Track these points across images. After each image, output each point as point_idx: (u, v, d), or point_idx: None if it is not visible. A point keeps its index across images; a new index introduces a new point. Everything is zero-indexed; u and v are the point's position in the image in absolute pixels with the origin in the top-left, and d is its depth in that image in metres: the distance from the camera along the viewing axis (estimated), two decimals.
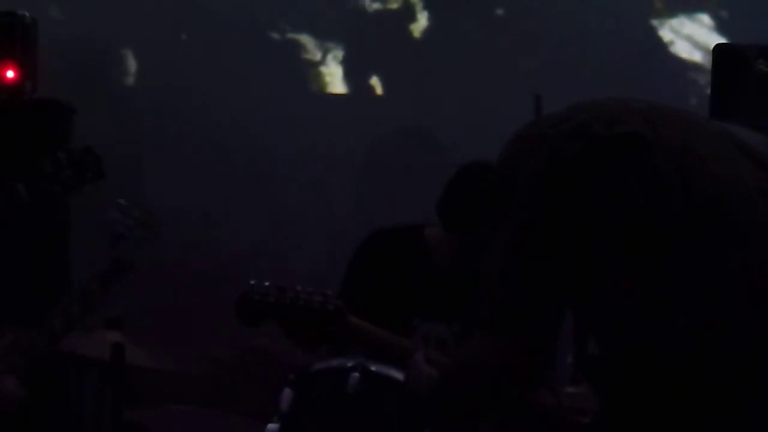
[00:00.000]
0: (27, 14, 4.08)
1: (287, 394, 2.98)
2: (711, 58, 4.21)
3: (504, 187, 1.83)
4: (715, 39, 5.03)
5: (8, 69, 4.05)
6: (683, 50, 5.21)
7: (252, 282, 2.63)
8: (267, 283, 2.62)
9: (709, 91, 4.29)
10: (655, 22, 5.23)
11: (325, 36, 5.43)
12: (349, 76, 5.44)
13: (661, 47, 5.22)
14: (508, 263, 1.85)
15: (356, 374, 2.92)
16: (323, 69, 5.46)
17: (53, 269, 4.13)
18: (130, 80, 5.41)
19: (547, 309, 1.84)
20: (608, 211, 1.78)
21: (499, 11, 5.34)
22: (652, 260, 1.76)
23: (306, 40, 5.44)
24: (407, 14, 5.38)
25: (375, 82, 5.41)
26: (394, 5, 5.40)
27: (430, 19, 5.36)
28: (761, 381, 1.77)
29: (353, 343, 2.76)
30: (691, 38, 5.20)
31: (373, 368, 2.91)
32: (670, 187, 1.77)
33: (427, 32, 5.37)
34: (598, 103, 1.90)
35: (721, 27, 5.14)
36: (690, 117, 1.90)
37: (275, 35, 5.44)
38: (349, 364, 2.93)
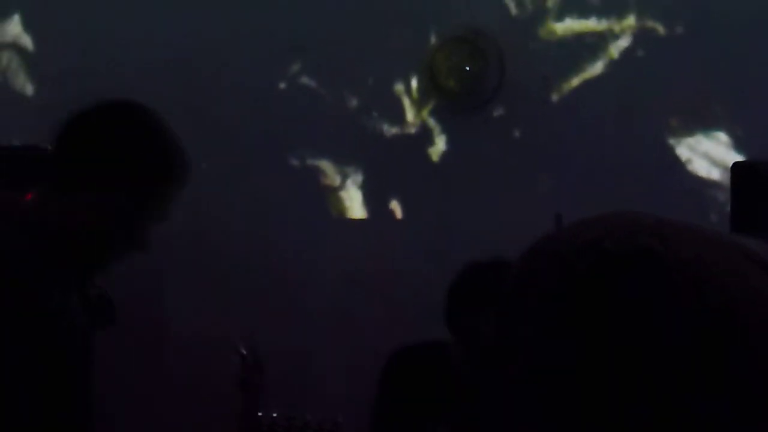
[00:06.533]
0: (50, 147, 4.10)
1: None
2: (729, 175, 4.23)
3: (513, 307, 1.81)
4: (732, 156, 5.05)
5: None
6: (701, 168, 5.22)
7: (259, 413, 2.61)
8: (275, 414, 2.60)
9: (728, 208, 4.29)
10: (671, 141, 5.26)
11: (344, 161, 5.47)
12: (368, 200, 5.46)
13: (679, 165, 5.23)
14: (529, 393, 1.82)
15: None
16: (342, 194, 5.48)
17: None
18: None
19: None
20: (622, 328, 1.76)
21: (517, 132, 5.38)
22: (668, 379, 1.74)
23: (325, 165, 5.47)
24: (425, 138, 5.43)
25: (395, 205, 5.44)
26: (412, 129, 5.44)
27: (448, 142, 5.40)
28: None
29: None
30: (708, 156, 5.21)
31: None
32: (684, 301, 1.75)
33: (446, 156, 5.41)
34: (608, 218, 1.88)
35: (738, 144, 5.16)
36: (699, 229, 1.89)
37: (294, 161, 5.48)
38: None
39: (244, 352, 3.56)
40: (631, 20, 5.29)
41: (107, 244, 2.52)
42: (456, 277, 3.31)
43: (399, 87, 5.44)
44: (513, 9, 5.37)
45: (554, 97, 5.33)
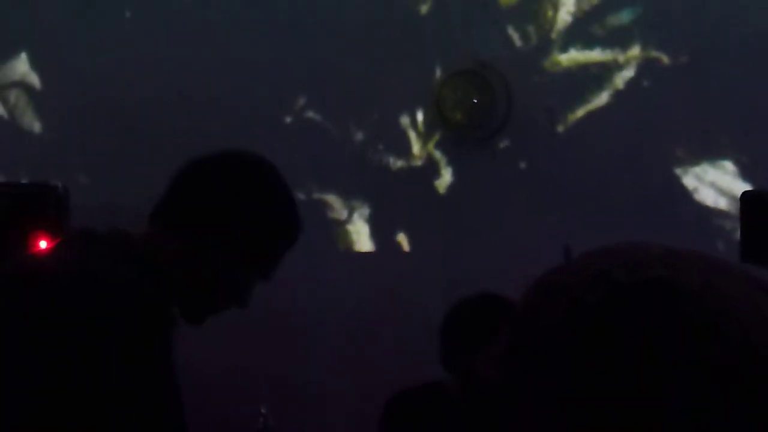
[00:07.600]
0: (59, 184, 4.08)
1: None
2: (737, 204, 4.23)
3: (521, 341, 1.80)
4: (739, 185, 5.04)
5: (41, 239, 4.04)
6: (708, 197, 5.22)
7: None
8: None
9: (736, 236, 4.29)
10: (678, 170, 5.26)
11: (350, 194, 5.48)
12: (375, 233, 5.46)
13: (685, 194, 5.23)
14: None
15: None
16: (349, 227, 5.48)
17: None
18: None
19: None
20: (634, 361, 1.75)
21: (523, 164, 5.38)
22: (681, 411, 1.73)
23: (331, 198, 5.48)
24: (431, 171, 5.43)
25: (402, 238, 5.43)
26: (418, 162, 5.45)
27: (455, 175, 5.40)
28: None
29: None
30: (715, 185, 5.21)
31: None
32: (697, 332, 1.74)
33: (452, 188, 5.41)
34: (617, 249, 1.87)
35: (744, 173, 5.16)
36: (710, 259, 1.87)
37: (301, 195, 5.48)
38: None
39: (264, 410, 3.58)
40: (635, 51, 5.30)
41: (208, 294, 2.51)
42: (446, 316, 3.31)
43: (405, 120, 5.45)
44: (517, 41, 5.38)
45: (560, 128, 5.34)
